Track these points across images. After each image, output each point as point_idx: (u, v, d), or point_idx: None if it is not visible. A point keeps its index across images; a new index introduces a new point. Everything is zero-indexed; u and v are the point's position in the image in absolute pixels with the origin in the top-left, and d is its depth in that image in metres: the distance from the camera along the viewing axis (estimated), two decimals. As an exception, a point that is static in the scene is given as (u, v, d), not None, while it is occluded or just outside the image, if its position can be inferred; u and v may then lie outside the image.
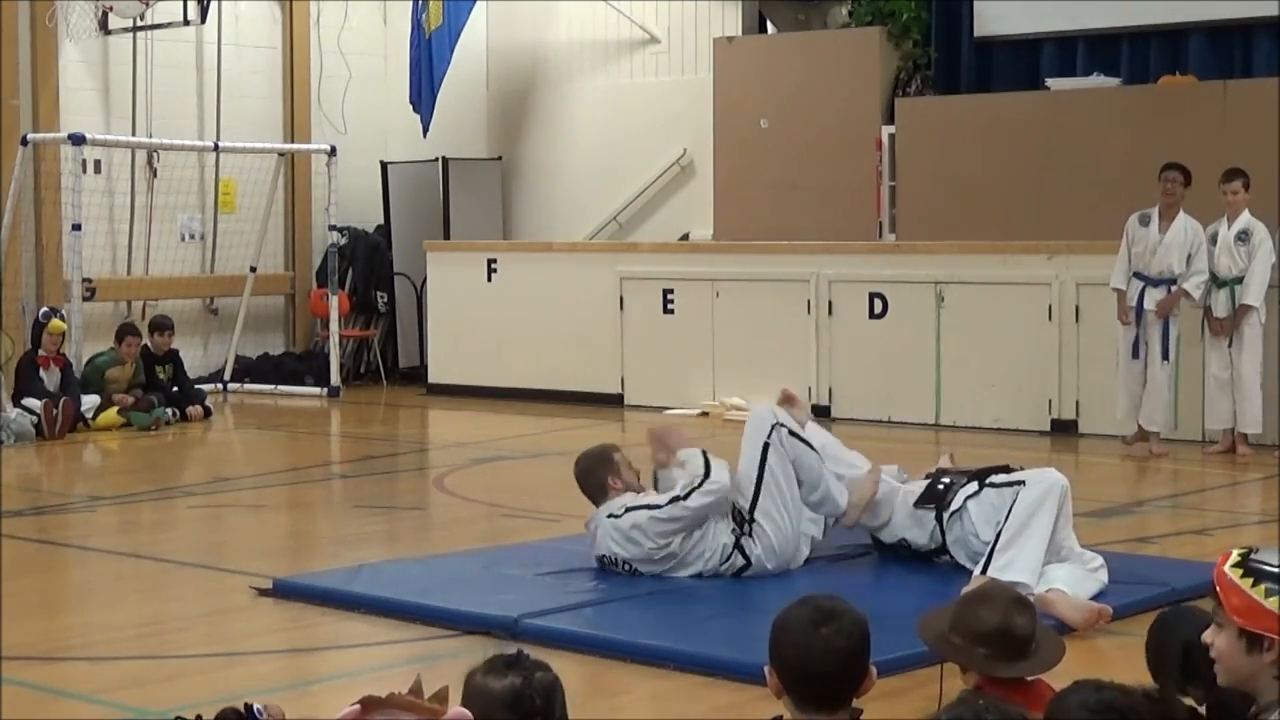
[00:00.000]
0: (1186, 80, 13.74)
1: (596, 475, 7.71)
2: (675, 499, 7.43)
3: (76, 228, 14.89)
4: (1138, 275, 12.00)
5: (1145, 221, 12.00)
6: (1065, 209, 13.56)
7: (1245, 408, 11.83)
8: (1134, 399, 12.11)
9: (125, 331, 14.48)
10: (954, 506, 7.62)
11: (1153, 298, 11.95)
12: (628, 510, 7.49)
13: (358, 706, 3.16)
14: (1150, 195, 12.12)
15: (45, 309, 14.43)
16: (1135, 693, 3.26)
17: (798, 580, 7.42)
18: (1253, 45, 13.95)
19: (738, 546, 7.55)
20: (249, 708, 3.31)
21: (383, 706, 3.18)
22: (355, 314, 17.69)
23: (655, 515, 7.42)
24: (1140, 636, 6.36)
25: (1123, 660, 6.62)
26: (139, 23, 16.18)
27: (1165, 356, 11.95)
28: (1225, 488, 10.92)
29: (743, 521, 7.57)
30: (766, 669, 3.51)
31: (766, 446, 7.60)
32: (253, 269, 16.99)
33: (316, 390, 16.43)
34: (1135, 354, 12.01)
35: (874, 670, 3.50)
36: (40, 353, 13.90)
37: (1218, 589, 3.36)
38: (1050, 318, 13.04)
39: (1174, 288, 11.89)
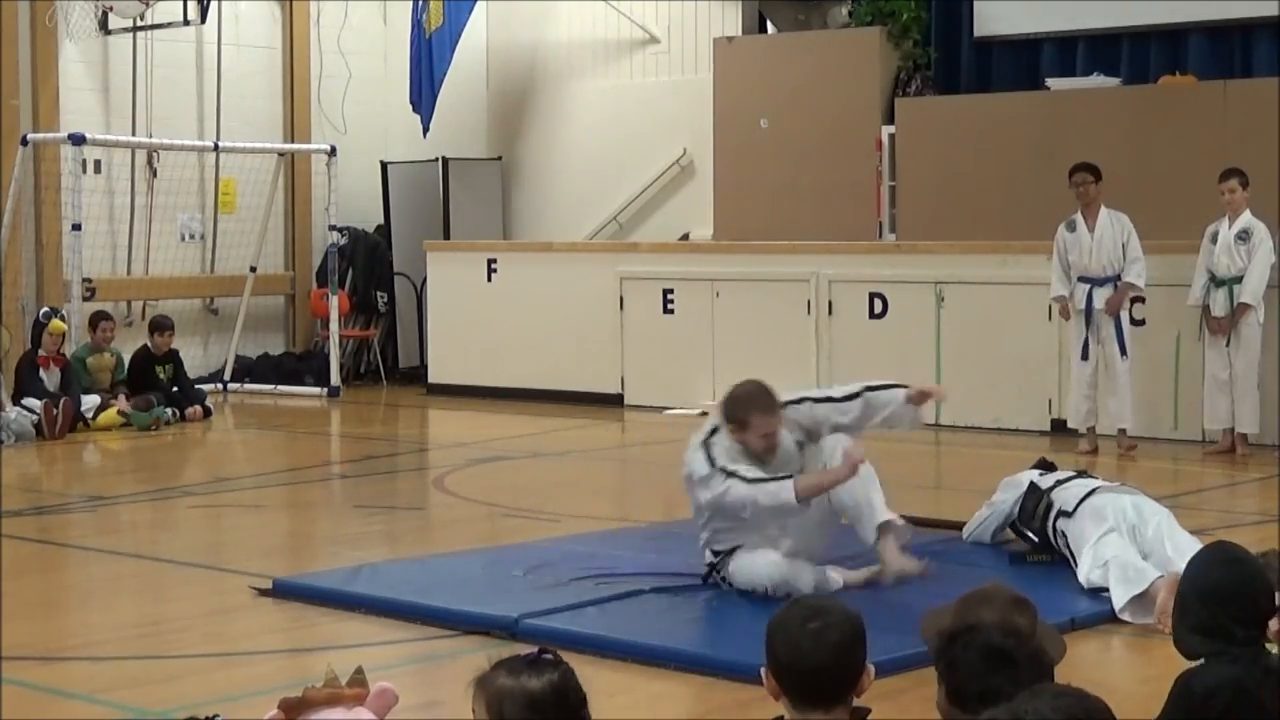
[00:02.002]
0: (1186, 80, 13.74)
1: (733, 411, 7.36)
2: (729, 472, 7.19)
3: (76, 228, 14.90)
4: (1084, 279, 12.05)
5: (1071, 227, 12.12)
6: (1065, 209, 13.54)
7: (1243, 407, 11.84)
8: (1090, 402, 12.13)
9: (98, 318, 14.51)
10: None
11: (1101, 297, 12.00)
12: (705, 444, 7.29)
13: (278, 714, 3.15)
14: (1152, 196, 12.17)
15: (45, 309, 14.44)
16: (1092, 698, 3.24)
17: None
18: (1253, 45, 13.95)
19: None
20: None
21: (303, 706, 3.16)
22: (355, 314, 17.69)
23: (703, 474, 7.25)
24: (1139, 636, 6.35)
25: (1125, 658, 6.63)
26: (139, 23, 16.18)
27: (1124, 352, 11.98)
28: (1224, 487, 10.92)
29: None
30: (763, 670, 3.52)
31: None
32: (253, 269, 16.99)
33: (316, 390, 16.43)
34: (1085, 356, 12.05)
35: (871, 669, 3.51)
36: (40, 353, 13.92)
37: None
38: (1050, 318, 13.02)
39: (1119, 283, 11.95)
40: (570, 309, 15.44)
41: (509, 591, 7.36)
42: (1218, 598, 4.06)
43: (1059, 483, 8.05)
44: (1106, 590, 7.15)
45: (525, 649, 3.29)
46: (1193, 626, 4.08)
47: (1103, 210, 12.02)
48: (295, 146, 17.35)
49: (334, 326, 16.67)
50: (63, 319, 14.13)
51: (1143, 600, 6.95)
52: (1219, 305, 11.84)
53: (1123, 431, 12.07)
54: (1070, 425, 12.35)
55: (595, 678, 6.09)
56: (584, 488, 11.38)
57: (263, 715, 3.23)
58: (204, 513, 10.30)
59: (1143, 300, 12.31)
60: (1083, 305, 12.05)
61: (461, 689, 3.27)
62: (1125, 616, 6.96)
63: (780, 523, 7.27)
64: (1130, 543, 7.39)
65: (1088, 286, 12.03)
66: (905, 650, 5.61)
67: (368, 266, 17.74)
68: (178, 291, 16.80)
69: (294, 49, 17.70)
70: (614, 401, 15.15)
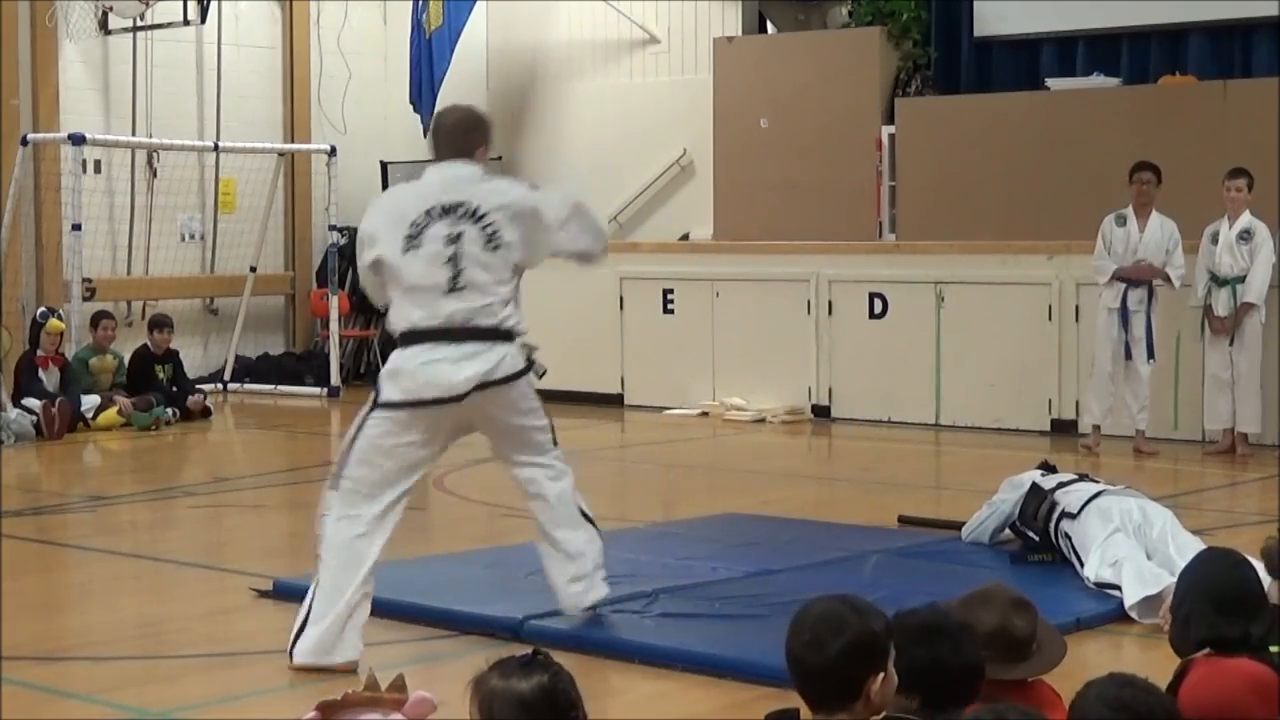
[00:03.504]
0: (1186, 80, 13.74)
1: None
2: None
3: (76, 228, 14.90)
4: (1119, 278, 12.00)
5: (1122, 222, 12.04)
6: (1065, 209, 13.56)
7: (1246, 407, 11.84)
8: (1106, 401, 12.10)
9: (100, 317, 14.51)
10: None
11: (1135, 298, 11.96)
12: None
13: (316, 715, 3.15)
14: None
15: (43, 309, 14.44)
16: (1158, 693, 3.25)
17: (799, 583, 7.41)
18: (1253, 45, 13.95)
19: None
20: None
21: (341, 708, 3.17)
22: (355, 314, 17.68)
23: None
24: (1145, 636, 6.34)
25: (1130, 658, 6.63)
26: (139, 23, 16.18)
27: (1151, 356, 11.96)
28: (1224, 487, 10.91)
29: None
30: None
31: None
32: (253, 269, 16.99)
33: (316, 390, 16.44)
34: (1128, 355, 11.99)
35: (884, 675, 3.49)
36: (39, 353, 13.92)
37: None
38: (1050, 318, 13.05)
39: (1155, 283, 11.92)
40: (570, 309, 15.42)
41: (512, 593, 7.36)
42: (1213, 601, 4.06)
43: (1061, 485, 8.05)
44: (1113, 588, 7.16)
45: (528, 650, 3.29)
46: (1190, 629, 4.09)
47: (1154, 213, 11.98)
48: (295, 146, 17.35)
49: (334, 326, 16.67)
50: (61, 319, 14.13)
51: (1153, 601, 6.96)
52: (1221, 305, 11.84)
53: (1141, 433, 12.05)
54: (1084, 422, 12.29)
55: (597, 678, 6.12)
56: (584, 488, 11.32)
57: (263, 716, 3.24)
58: (204, 513, 10.30)
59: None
60: (1117, 304, 11.96)
61: (463, 689, 3.27)
62: (1134, 614, 6.96)
63: None
64: (1137, 544, 7.39)
65: (1123, 286, 11.98)
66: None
67: (368, 266, 17.72)
68: (178, 291, 16.80)
69: (294, 49, 17.70)
70: (614, 401, 15.15)
